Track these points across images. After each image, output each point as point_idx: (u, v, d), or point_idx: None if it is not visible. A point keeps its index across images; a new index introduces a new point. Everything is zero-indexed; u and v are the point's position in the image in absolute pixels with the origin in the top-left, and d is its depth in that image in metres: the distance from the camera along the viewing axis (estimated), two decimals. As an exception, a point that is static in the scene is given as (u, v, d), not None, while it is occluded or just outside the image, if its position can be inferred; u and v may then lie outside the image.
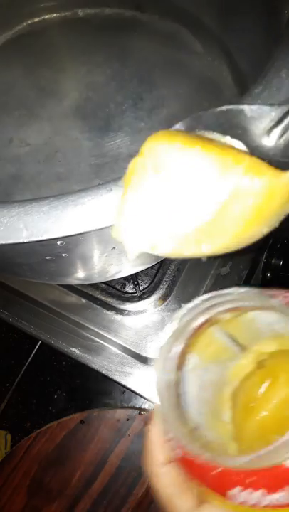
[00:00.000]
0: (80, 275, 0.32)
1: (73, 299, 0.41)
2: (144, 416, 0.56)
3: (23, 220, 0.19)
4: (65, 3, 0.47)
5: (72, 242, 0.24)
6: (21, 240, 0.19)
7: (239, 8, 0.38)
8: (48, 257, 0.26)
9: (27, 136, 0.41)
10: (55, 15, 0.47)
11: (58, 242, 0.23)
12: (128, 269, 0.34)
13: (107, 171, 0.39)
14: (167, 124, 0.40)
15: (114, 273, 0.34)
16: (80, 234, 0.19)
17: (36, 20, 0.47)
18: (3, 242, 0.19)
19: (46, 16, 0.47)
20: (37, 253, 0.26)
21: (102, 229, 0.20)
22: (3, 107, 0.43)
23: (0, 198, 0.39)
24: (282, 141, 0.17)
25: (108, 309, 0.40)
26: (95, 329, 0.40)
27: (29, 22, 0.47)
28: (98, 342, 0.39)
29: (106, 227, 0.20)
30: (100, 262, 0.30)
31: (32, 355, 0.65)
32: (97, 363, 0.39)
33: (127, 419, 0.56)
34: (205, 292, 0.40)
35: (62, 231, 0.19)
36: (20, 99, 0.42)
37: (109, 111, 0.42)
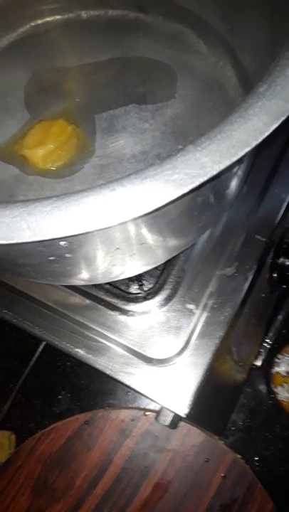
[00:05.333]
0: (83, 276, 0.32)
1: (77, 299, 0.41)
2: (149, 416, 0.56)
3: (26, 220, 0.19)
4: (68, 5, 0.47)
5: (75, 243, 0.24)
6: (24, 240, 0.19)
7: (243, 8, 0.38)
8: (51, 258, 0.26)
9: (31, 137, 0.41)
10: (58, 17, 0.47)
11: (61, 243, 0.23)
12: (132, 269, 0.34)
13: (111, 172, 0.39)
14: (171, 125, 0.40)
15: (118, 274, 0.34)
16: (83, 234, 0.19)
17: (40, 22, 0.47)
18: (6, 242, 0.19)
19: (49, 18, 0.47)
20: (40, 253, 0.26)
21: (105, 229, 0.19)
22: (6, 108, 0.43)
23: (3, 199, 0.39)
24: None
25: (112, 310, 0.40)
26: (100, 330, 0.40)
27: (32, 24, 0.47)
28: (102, 342, 0.39)
29: (109, 227, 0.20)
30: (103, 262, 0.30)
31: (36, 356, 0.65)
32: (101, 363, 0.39)
33: (132, 420, 0.56)
34: (210, 293, 0.40)
35: (65, 231, 0.19)
36: (23, 101, 0.43)
37: (113, 112, 0.42)
